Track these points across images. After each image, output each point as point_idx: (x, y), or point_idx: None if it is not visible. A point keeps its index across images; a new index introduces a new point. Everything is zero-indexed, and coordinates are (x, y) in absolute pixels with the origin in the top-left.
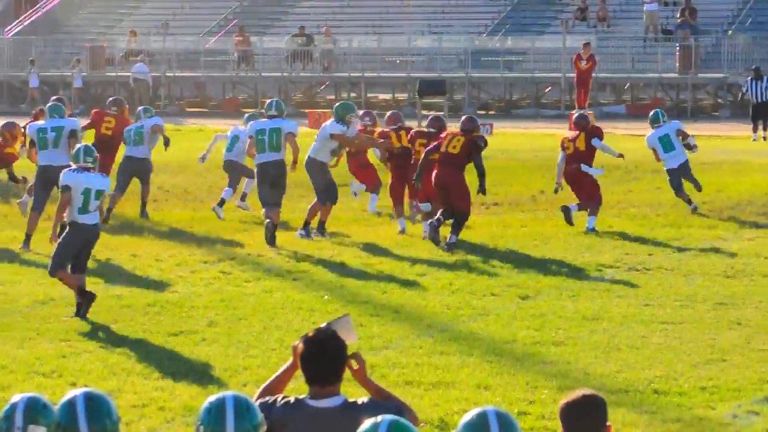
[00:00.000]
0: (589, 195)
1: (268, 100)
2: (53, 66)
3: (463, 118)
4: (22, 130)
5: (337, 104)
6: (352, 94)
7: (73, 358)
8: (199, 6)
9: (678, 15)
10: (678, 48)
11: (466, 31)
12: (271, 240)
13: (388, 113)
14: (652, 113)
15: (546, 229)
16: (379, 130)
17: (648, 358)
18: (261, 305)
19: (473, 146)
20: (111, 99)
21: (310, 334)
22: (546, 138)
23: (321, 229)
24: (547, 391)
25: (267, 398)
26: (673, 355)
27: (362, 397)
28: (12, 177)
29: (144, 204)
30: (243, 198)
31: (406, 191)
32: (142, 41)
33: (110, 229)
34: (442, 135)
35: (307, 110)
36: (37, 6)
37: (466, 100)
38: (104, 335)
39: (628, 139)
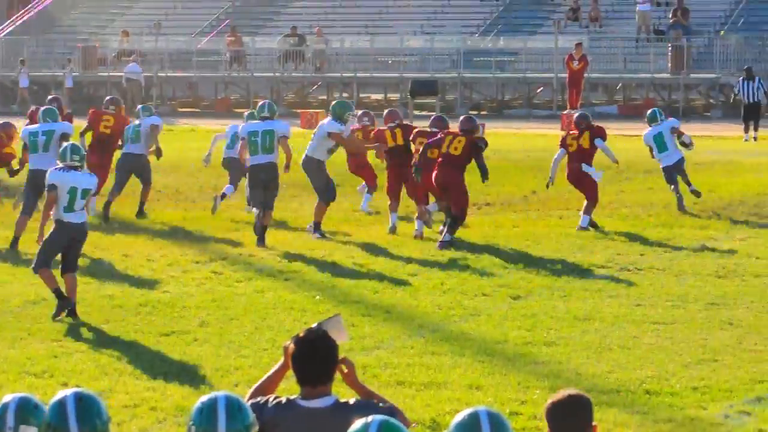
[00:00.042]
0: (588, 193)
1: (261, 102)
2: (45, 66)
3: (462, 117)
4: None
5: (334, 102)
6: (345, 95)
7: (64, 359)
8: (191, 6)
9: (670, 15)
10: (670, 48)
11: (458, 32)
12: (260, 241)
13: (387, 110)
14: (649, 111)
15: (538, 229)
16: (376, 128)
17: (639, 359)
18: (252, 305)
19: (474, 148)
20: (108, 98)
21: (301, 335)
22: (538, 138)
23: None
24: (539, 392)
25: (259, 398)
26: (664, 355)
27: (354, 398)
28: (13, 172)
29: (142, 204)
30: (249, 203)
31: (404, 190)
32: (134, 41)
33: (102, 229)
34: (440, 133)
35: (299, 110)
36: (29, 6)
37: (459, 100)
38: (96, 335)
39: (620, 140)
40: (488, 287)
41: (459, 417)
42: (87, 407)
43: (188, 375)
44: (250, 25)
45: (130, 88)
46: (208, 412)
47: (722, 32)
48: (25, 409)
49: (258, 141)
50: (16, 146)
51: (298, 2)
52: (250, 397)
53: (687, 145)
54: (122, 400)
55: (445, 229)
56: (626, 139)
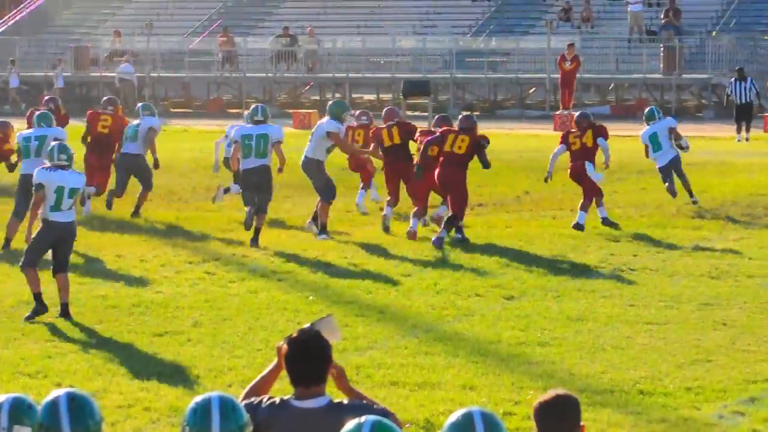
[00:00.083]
0: (587, 192)
1: (254, 105)
2: (38, 66)
3: (461, 116)
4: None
5: (331, 103)
6: (337, 95)
7: (58, 359)
8: (183, 6)
9: (662, 16)
10: (662, 49)
11: (450, 32)
12: (254, 241)
13: (385, 109)
14: (647, 110)
15: (531, 229)
16: (374, 127)
17: (633, 359)
18: (246, 306)
19: (477, 146)
20: (106, 98)
21: (294, 335)
22: (530, 139)
23: (315, 221)
24: (533, 392)
25: (252, 399)
26: (658, 355)
27: (347, 398)
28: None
29: (138, 206)
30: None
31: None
32: (127, 41)
33: (95, 229)
34: (440, 131)
35: (291, 111)
36: (21, 6)
37: (451, 100)
38: (89, 336)
39: (612, 140)
40: (482, 288)
41: (453, 417)
42: (79, 407)
43: (182, 375)
44: (242, 25)
45: (123, 89)
46: (201, 412)
47: (714, 33)
48: (19, 409)
49: (252, 144)
50: (13, 145)
51: (290, 3)
52: (244, 398)
53: (683, 149)
54: (116, 401)
55: (441, 226)
56: (619, 140)
